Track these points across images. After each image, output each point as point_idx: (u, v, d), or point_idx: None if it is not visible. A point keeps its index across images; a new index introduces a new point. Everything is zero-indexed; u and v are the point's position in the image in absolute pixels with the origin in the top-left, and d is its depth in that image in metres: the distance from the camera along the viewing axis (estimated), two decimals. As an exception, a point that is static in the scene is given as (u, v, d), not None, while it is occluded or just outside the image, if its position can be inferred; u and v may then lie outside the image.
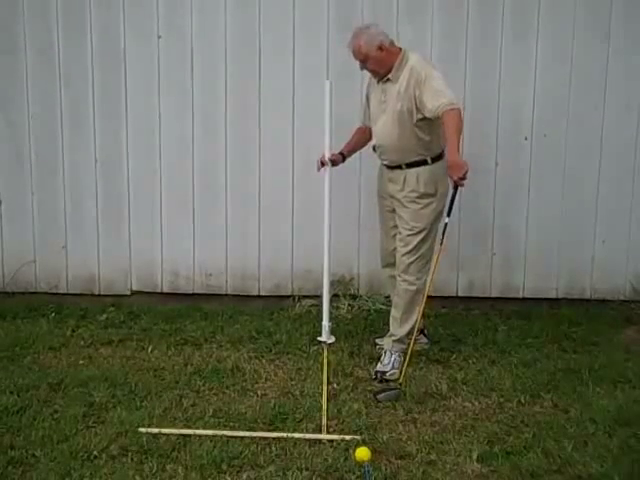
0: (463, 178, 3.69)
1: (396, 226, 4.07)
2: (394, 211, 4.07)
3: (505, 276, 5.01)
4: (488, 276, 5.00)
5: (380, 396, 3.68)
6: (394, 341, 4.03)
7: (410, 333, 4.10)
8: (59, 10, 4.86)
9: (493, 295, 5.02)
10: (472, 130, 4.82)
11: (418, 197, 3.92)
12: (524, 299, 5.01)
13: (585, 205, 4.92)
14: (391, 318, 4.11)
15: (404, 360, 3.86)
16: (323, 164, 4.04)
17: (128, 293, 5.14)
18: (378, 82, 4.01)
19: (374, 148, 4.11)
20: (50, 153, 5.01)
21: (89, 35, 4.88)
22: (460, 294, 5.03)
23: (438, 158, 3.96)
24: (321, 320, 3.61)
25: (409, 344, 3.86)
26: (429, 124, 3.87)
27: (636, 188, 4.90)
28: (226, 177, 4.99)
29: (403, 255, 3.98)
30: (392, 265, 4.17)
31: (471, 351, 4.27)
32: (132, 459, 3.12)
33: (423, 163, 3.92)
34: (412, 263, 3.98)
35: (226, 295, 5.10)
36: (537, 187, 4.91)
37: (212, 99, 4.91)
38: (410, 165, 3.93)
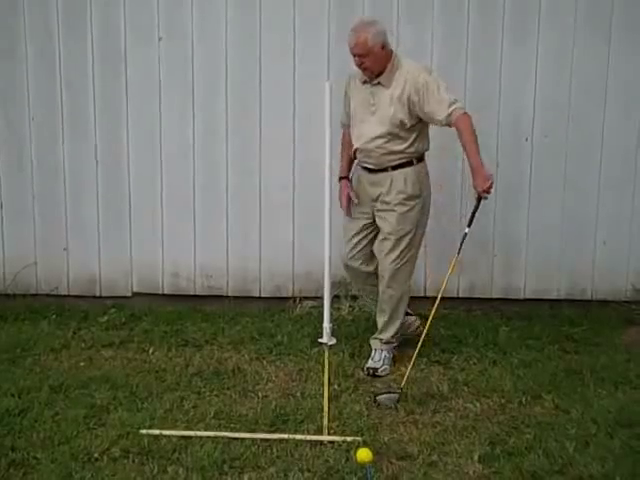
0: (488, 191, 3.68)
1: (368, 226, 4.03)
2: (371, 216, 4.02)
3: (506, 277, 5.00)
4: (489, 277, 5.00)
5: (380, 397, 3.66)
6: (382, 342, 4.08)
7: (397, 333, 4.11)
8: (59, 12, 4.86)
9: (494, 296, 5.01)
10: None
11: (405, 199, 3.90)
12: (525, 300, 5.00)
13: (586, 206, 4.91)
14: (377, 321, 4.13)
15: (409, 364, 3.84)
16: (349, 197, 4.02)
17: (129, 295, 5.14)
18: (364, 83, 3.91)
19: (354, 153, 4.02)
20: (51, 155, 5.01)
21: (90, 37, 4.88)
22: (461, 295, 5.02)
23: (421, 159, 3.97)
24: (322, 321, 3.59)
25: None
26: (419, 128, 3.87)
27: (637, 189, 4.89)
28: (227, 178, 4.99)
29: (390, 263, 3.95)
30: (360, 260, 4.10)
31: (472, 352, 4.27)
32: (133, 461, 3.12)
33: (409, 164, 3.90)
34: (399, 271, 3.97)
35: (227, 296, 5.09)
36: (538, 188, 4.90)
37: (213, 100, 4.91)
38: (396, 167, 3.90)
